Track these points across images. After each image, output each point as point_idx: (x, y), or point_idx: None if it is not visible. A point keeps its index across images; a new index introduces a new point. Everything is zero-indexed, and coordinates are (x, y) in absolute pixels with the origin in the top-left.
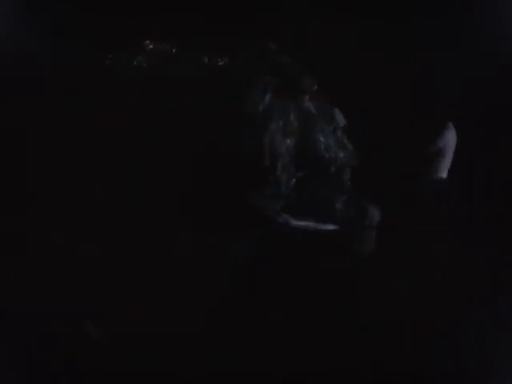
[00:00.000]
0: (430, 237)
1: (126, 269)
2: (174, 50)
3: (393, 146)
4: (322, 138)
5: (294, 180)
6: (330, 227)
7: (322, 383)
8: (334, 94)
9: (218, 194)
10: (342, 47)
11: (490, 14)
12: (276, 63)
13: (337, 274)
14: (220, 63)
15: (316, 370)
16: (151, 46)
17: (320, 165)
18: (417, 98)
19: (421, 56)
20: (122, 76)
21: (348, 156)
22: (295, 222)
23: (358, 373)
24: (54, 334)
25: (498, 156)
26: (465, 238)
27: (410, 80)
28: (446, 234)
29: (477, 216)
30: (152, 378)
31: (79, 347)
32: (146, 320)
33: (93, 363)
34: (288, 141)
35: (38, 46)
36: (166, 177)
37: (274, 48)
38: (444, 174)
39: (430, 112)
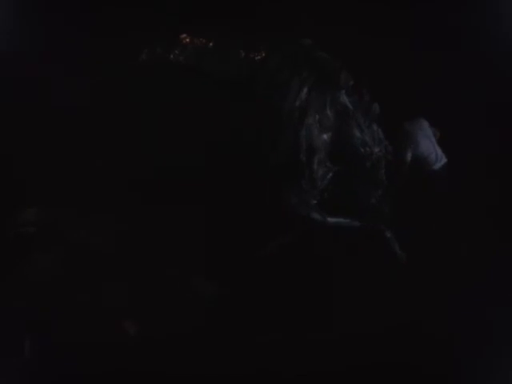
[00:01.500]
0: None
1: (147, 271)
2: (210, 45)
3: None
4: (358, 133)
5: (330, 174)
6: (365, 223)
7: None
8: (370, 88)
9: (253, 190)
10: (376, 43)
11: (490, 14)
12: (313, 58)
13: (368, 273)
14: (257, 58)
15: (322, 371)
16: (188, 40)
17: (356, 159)
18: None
19: (421, 56)
20: (158, 69)
21: (383, 150)
22: (330, 218)
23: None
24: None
25: (498, 156)
26: (465, 236)
27: (410, 80)
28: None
29: (475, 215)
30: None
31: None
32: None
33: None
34: (324, 135)
35: (72, 40)
36: (196, 172)
37: (310, 43)
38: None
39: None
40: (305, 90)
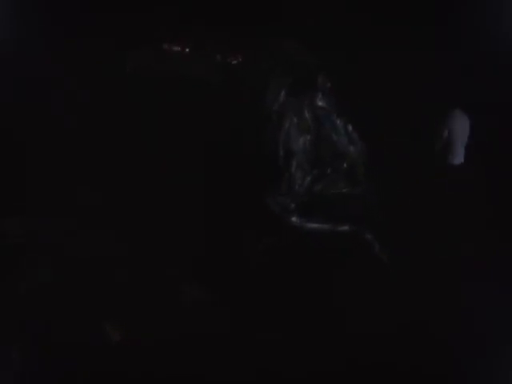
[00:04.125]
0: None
1: (140, 272)
2: (187, 50)
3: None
4: (334, 135)
5: (308, 178)
6: (345, 228)
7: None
8: (345, 90)
9: (232, 194)
10: (354, 46)
11: (490, 14)
12: (290, 61)
13: (350, 275)
14: (234, 62)
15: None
16: (164, 47)
17: (334, 161)
18: (418, 97)
19: (421, 56)
20: (135, 77)
21: (359, 150)
22: (309, 223)
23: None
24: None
25: (498, 156)
26: (464, 236)
27: (412, 79)
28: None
29: (475, 215)
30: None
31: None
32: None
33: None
34: (302, 138)
35: (53, 47)
36: (177, 177)
37: (287, 46)
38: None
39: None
40: (282, 93)
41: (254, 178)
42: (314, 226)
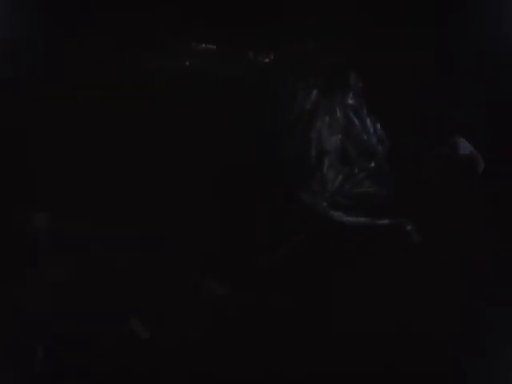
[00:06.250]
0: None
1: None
2: (216, 49)
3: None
4: (364, 134)
5: (340, 177)
6: (383, 221)
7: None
8: (374, 89)
9: (265, 194)
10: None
11: (490, 14)
12: (321, 61)
13: (388, 269)
14: (265, 61)
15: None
16: (193, 45)
17: (362, 160)
18: (418, 99)
19: (420, 56)
20: (164, 75)
21: (386, 150)
22: (347, 218)
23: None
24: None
25: (498, 157)
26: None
27: (412, 82)
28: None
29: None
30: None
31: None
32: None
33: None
34: (334, 138)
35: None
36: (209, 177)
37: (320, 46)
38: None
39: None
40: (314, 92)
41: (287, 178)
42: (352, 221)
